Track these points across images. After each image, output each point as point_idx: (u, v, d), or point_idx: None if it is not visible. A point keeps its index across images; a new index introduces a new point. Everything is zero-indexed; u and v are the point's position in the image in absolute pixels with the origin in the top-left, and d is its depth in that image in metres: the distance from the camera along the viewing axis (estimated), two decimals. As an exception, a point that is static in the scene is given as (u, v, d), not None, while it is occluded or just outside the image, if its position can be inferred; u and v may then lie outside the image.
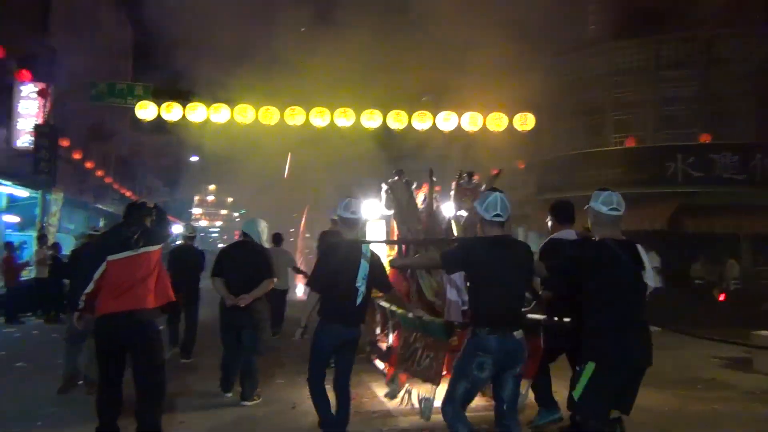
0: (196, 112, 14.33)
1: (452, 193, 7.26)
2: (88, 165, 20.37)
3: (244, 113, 14.27)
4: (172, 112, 14.43)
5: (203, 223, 70.68)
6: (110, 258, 4.67)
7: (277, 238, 10.85)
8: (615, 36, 16.98)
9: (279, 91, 14.99)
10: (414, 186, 7.11)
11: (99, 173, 21.92)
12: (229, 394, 6.48)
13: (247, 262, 6.26)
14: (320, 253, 5.17)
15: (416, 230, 6.95)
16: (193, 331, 8.49)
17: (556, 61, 18.52)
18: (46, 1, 17.99)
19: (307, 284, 5.08)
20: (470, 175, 7.21)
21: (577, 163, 17.34)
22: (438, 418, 4.49)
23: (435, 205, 7.14)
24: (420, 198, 7.15)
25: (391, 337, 6.60)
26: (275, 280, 6.56)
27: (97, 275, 4.64)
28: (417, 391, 5.55)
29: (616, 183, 16.05)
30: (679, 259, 14.56)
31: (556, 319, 4.84)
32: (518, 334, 3.96)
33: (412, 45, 15.96)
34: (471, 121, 14.83)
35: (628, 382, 3.87)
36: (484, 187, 6.96)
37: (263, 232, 6.56)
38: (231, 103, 14.49)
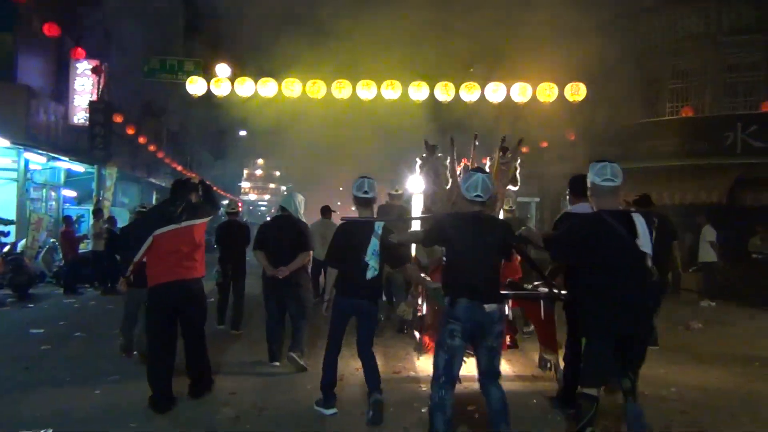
0: (244, 87, 14.44)
1: (486, 166, 7.39)
2: (141, 140, 20.84)
3: (291, 87, 14.30)
4: (221, 87, 14.58)
5: (252, 196, 71.81)
6: (156, 232, 5.14)
7: (325, 211, 11.12)
8: (674, 0, 16.28)
9: (326, 64, 14.96)
10: (447, 161, 7.26)
11: (151, 148, 22.40)
12: (277, 363, 6.67)
13: (286, 235, 6.58)
14: (335, 232, 5.37)
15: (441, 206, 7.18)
16: (241, 304, 8.72)
17: (610, 27, 17.90)
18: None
19: (325, 260, 5.47)
20: (505, 150, 7.35)
21: (632, 134, 16.84)
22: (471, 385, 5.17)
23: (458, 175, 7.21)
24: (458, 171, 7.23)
25: (425, 308, 6.95)
26: (311, 252, 6.94)
27: (144, 248, 5.12)
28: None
29: (673, 154, 15.57)
30: (738, 233, 14.06)
31: (556, 291, 5.12)
32: (490, 307, 4.15)
33: (460, 14, 15.66)
34: (521, 92, 14.48)
35: (623, 349, 4.01)
36: (519, 162, 7.35)
37: (300, 205, 6.83)
38: (278, 77, 14.55)
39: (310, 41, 16.19)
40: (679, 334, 9.15)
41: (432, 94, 14.38)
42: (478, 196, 4.28)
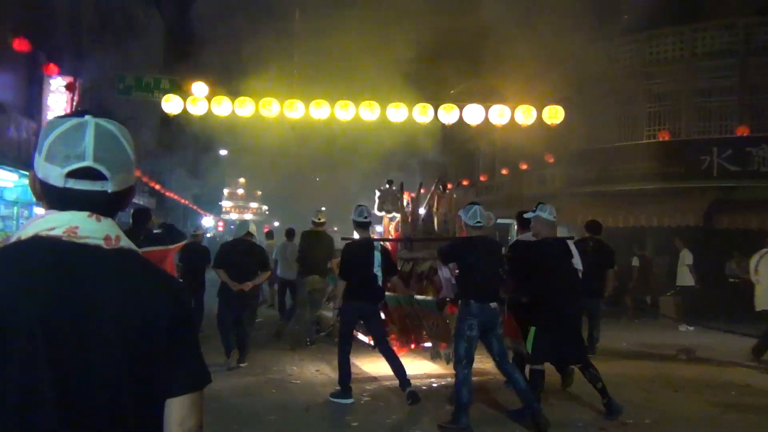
0: (221, 106, 14.23)
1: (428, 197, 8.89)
2: (117, 158, 20.50)
3: (269, 107, 14.13)
4: (197, 105, 14.35)
5: (233, 215, 71.22)
6: None
7: (289, 233, 12.21)
8: (649, 25, 16.42)
9: (304, 84, 14.85)
10: (400, 192, 8.65)
11: (128, 166, 22.05)
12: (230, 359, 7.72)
13: (248, 256, 7.85)
14: (343, 251, 6.60)
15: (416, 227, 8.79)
16: (199, 312, 9.58)
17: (586, 51, 18.04)
18: (75, -6, 18.11)
19: (339, 275, 6.68)
20: (443, 185, 8.93)
21: (609, 156, 16.88)
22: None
23: (411, 208, 8.87)
24: (404, 202, 8.76)
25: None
26: (268, 272, 8.39)
27: None
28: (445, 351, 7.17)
29: (649, 177, 15.60)
30: (714, 256, 14.07)
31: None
32: (494, 304, 5.59)
33: (440, 37, 15.69)
34: (499, 114, 14.44)
35: (562, 337, 5.69)
36: (455, 195, 8.92)
37: (255, 231, 8.32)
38: (256, 96, 14.37)
39: (288, 60, 16.11)
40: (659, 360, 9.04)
41: (411, 116, 14.29)
42: (478, 222, 5.70)
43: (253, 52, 14.97)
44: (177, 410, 1.33)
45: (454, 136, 27.40)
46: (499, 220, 23.76)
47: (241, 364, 7.81)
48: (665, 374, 8.01)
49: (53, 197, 1.34)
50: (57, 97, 16.43)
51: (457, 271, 5.97)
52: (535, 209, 5.88)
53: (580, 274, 5.87)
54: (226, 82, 14.91)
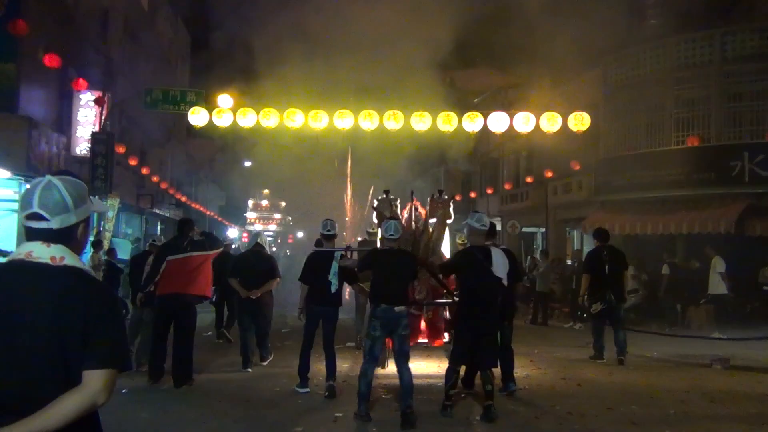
0: (247, 118, 14.34)
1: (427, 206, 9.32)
2: (144, 171, 20.77)
3: (293, 117, 14.20)
4: (223, 117, 14.48)
5: (258, 226, 71.62)
6: (169, 258, 7.28)
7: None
8: (677, 29, 16.19)
9: (328, 94, 14.91)
10: (398, 202, 9.12)
11: (155, 179, 22.29)
12: (249, 370, 8.44)
13: (259, 266, 8.63)
14: (306, 259, 7.58)
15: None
16: (232, 318, 10.88)
17: (613, 57, 17.87)
18: (103, 9, 18.43)
19: (299, 279, 7.51)
20: (441, 192, 9.39)
21: (636, 163, 16.64)
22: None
23: (415, 217, 9.21)
24: (405, 215, 9.11)
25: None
26: (277, 279, 8.95)
27: (162, 269, 7.26)
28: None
29: (679, 184, 15.34)
30: (747, 263, 13.75)
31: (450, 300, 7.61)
32: (399, 308, 6.04)
33: (464, 45, 15.66)
34: (524, 121, 14.33)
35: (477, 342, 6.10)
36: (451, 204, 9.30)
37: (265, 243, 9.30)
38: (280, 107, 14.46)
39: (312, 71, 16.18)
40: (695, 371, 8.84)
41: (435, 124, 14.23)
42: (391, 235, 6.34)
43: (278, 64, 15.09)
44: (93, 382, 1.90)
45: (478, 146, 27.35)
46: (525, 229, 23.71)
47: (263, 363, 8.77)
48: (700, 385, 7.82)
49: (26, 232, 2.08)
50: (86, 111, 16.71)
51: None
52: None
53: (505, 282, 6.25)
54: (252, 93, 15.04)
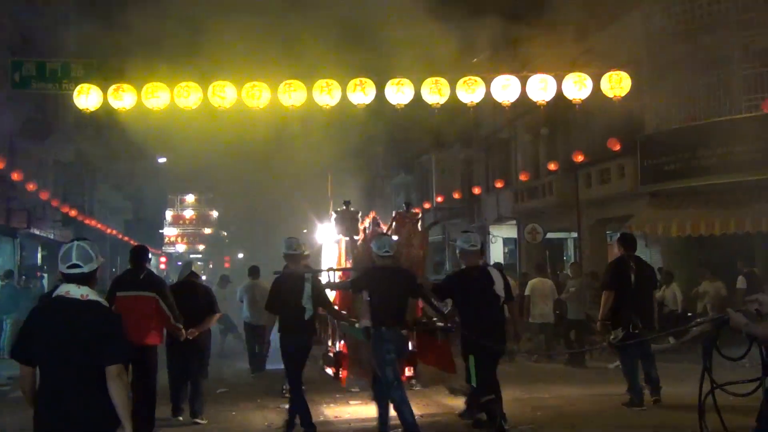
0: (158, 97, 14.18)
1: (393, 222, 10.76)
2: (15, 177, 20.51)
3: (222, 92, 14.08)
4: (123, 98, 14.27)
5: (180, 247, 71.05)
6: (119, 294, 8.37)
7: (253, 271, 14.91)
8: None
9: (272, 62, 14.80)
10: (359, 214, 10.80)
11: (30, 187, 21.91)
12: (180, 418, 9.58)
13: (194, 300, 9.51)
14: (272, 284, 8.78)
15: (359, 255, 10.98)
16: None
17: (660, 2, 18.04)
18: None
19: (266, 308, 8.71)
20: (408, 205, 11.20)
21: (695, 139, 16.79)
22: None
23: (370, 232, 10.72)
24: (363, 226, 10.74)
25: (338, 345, 11.13)
26: (217, 315, 10.24)
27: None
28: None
29: (754, 164, 15.47)
30: None
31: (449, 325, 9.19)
32: (401, 330, 8.05)
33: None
34: (541, 87, 14.35)
35: (491, 365, 7.91)
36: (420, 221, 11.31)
37: (199, 271, 10.12)
38: (204, 81, 14.35)
39: (248, 28, 16.09)
40: None
41: (419, 95, 14.23)
42: (386, 252, 8.07)
43: (199, 20, 14.96)
44: (112, 372, 4.47)
45: (481, 123, 27.43)
46: (549, 234, 23.73)
47: (198, 420, 9.57)
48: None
49: (64, 277, 4.76)
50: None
51: (367, 298, 8.03)
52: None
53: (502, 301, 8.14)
54: (164, 63, 14.85)
